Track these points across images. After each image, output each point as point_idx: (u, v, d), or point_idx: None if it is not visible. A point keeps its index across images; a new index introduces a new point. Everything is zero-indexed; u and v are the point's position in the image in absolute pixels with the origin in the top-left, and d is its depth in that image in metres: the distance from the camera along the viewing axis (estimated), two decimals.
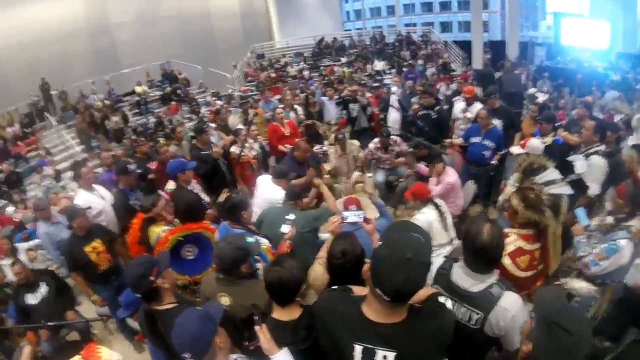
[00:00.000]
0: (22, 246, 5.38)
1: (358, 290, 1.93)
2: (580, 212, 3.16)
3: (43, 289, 4.14)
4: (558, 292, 2.06)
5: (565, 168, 2.77)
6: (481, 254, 1.95)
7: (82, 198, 4.73)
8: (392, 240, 1.57)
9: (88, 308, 4.77)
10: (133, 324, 4.12)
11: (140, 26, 18.42)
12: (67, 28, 16.20)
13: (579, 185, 2.72)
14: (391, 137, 6.02)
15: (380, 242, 1.61)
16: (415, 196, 4.08)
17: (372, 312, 1.63)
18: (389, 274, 1.50)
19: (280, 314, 2.06)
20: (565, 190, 2.72)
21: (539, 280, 2.89)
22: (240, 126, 7.08)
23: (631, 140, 5.44)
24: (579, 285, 2.70)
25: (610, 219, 3.05)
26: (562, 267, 3.13)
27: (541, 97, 10.52)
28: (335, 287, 1.95)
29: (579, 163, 2.71)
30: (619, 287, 2.85)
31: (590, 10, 16.20)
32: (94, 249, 4.01)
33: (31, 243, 5.39)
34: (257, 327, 1.92)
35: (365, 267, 1.69)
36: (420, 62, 16.07)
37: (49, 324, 3.60)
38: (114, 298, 4.18)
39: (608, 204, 3.66)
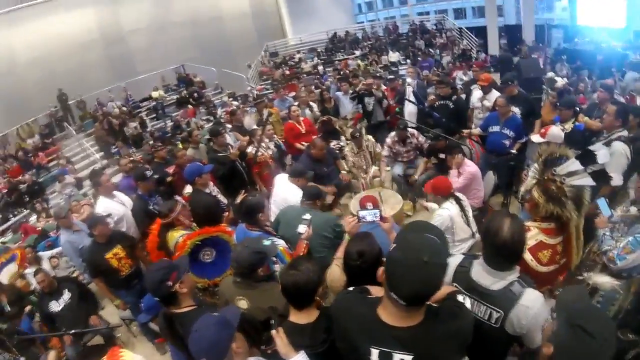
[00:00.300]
0: (45, 254, 5.53)
1: (376, 291, 1.90)
2: (602, 202, 3.08)
3: (66, 295, 4.23)
4: (580, 293, 1.96)
5: (588, 156, 2.66)
6: (502, 251, 1.90)
7: (103, 205, 4.77)
8: (407, 243, 1.53)
9: (111, 311, 4.86)
10: (155, 327, 4.18)
11: (153, 32, 18.74)
12: (82, 39, 16.68)
13: (601, 176, 2.60)
14: (408, 129, 5.94)
15: (394, 245, 1.56)
16: (436, 190, 3.96)
17: (388, 315, 1.60)
18: (404, 278, 1.46)
19: (298, 317, 2.04)
20: (587, 181, 2.62)
21: (561, 275, 2.84)
22: (256, 126, 7.09)
23: None
24: (602, 280, 2.61)
25: (634, 210, 2.97)
26: (586, 261, 3.05)
27: (560, 82, 10.26)
28: (352, 288, 1.93)
29: (602, 152, 2.60)
30: None
31: None
32: (115, 255, 4.08)
33: (54, 251, 5.52)
34: (273, 332, 1.90)
35: (380, 270, 1.64)
36: (437, 51, 15.84)
37: (71, 332, 3.66)
38: (137, 302, 4.24)
39: (632, 191, 3.55)
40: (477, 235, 4.17)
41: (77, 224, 4.78)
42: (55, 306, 4.14)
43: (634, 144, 3.96)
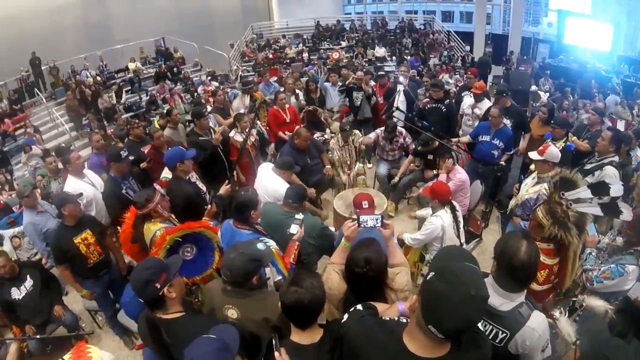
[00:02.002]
0: (7, 232, 5.12)
1: (381, 309, 1.90)
2: (591, 226, 3.19)
3: (28, 282, 3.88)
4: (603, 325, 2.21)
5: (601, 188, 2.69)
6: (518, 274, 1.89)
7: (71, 185, 4.40)
8: (453, 275, 1.39)
9: (75, 298, 4.56)
10: (123, 320, 3.96)
11: (136, 0, 17.91)
12: (61, 0, 15.74)
13: (611, 209, 2.64)
14: (398, 128, 5.87)
15: (435, 275, 1.44)
16: (435, 195, 3.87)
17: (417, 346, 1.51)
18: (451, 313, 1.34)
19: (300, 337, 1.86)
20: (596, 211, 2.63)
21: (551, 294, 3.01)
22: (243, 110, 6.80)
23: None
24: (597, 303, 2.71)
25: (620, 240, 3.09)
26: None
27: (543, 96, 10.42)
28: (360, 307, 1.79)
29: (616, 187, 2.62)
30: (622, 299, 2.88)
31: (592, 10, 16.03)
32: (84, 240, 3.74)
33: (16, 229, 5.12)
34: (276, 353, 1.74)
35: (414, 299, 1.52)
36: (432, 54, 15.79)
37: (37, 337, 3.34)
38: (104, 293, 4.03)
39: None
40: (465, 246, 4.14)
41: (42, 205, 4.39)
42: (16, 294, 3.79)
43: (622, 169, 4.24)
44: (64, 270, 3.83)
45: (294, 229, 2.96)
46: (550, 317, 2.37)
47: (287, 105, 6.57)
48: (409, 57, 14.82)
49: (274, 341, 1.78)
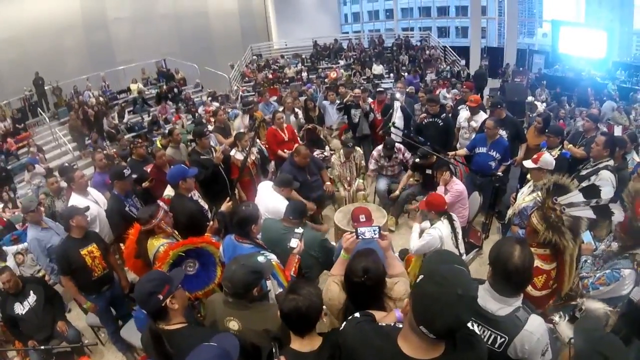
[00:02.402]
0: (10, 249, 5.16)
1: (379, 317, 1.92)
2: (587, 233, 3.24)
3: (31, 298, 3.93)
4: (597, 323, 2.18)
5: (592, 190, 2.73)
6: (513, 278, 1.92)
7: (76, 202, 4.45)
8: (441, 277, 1.46)
9: (78, 315, 4.62)
10: (126, 335, 3.97)
11: (136, 22, 18.24)
12: (63, 22, 15.98)
13: (603, 211, 2.68)
14: (395, 144, 5.92)
15: (424, 277, 1.50)
16: (431, 207, 3.90)
17: (412, 348, 1.55)
18: (440, 313, 1.40)
19: (300, 345, 1.91)
20: (588, 213, 2.67)
21: (551, 299, 2.95)
22: (243, 130, 6.90)
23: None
24: (596, 305, 2.71)
25: (615, 246, 3.07)
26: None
27: (540, 106, 10.52)
28: (358, 315, 1.83)
29: (606, 189, 2.66)
30: (624, 303, 2.89)
31: (586, 18, 16.25)
32: (90, 252, 3.79)
33: (20, 246, 5.16)
34: None
35: (406, 302, 1.56)
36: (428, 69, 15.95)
37: (42, 347, 3.37)
38: (107, 308, 4.05)
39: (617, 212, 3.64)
40: (465, 257, 4.16)
41: (47, 221, 4.45)
42: (19, 309, 3.83)
43: (619, 173, 4.23)
44: (68, 281, 3.85)
45: (293, 242, 3.00)
46: (550, 322, 2.39)
47: (285, 125, 6.67)
48: (406, 75, 14.96)
49: (274, 350, 1.83)
